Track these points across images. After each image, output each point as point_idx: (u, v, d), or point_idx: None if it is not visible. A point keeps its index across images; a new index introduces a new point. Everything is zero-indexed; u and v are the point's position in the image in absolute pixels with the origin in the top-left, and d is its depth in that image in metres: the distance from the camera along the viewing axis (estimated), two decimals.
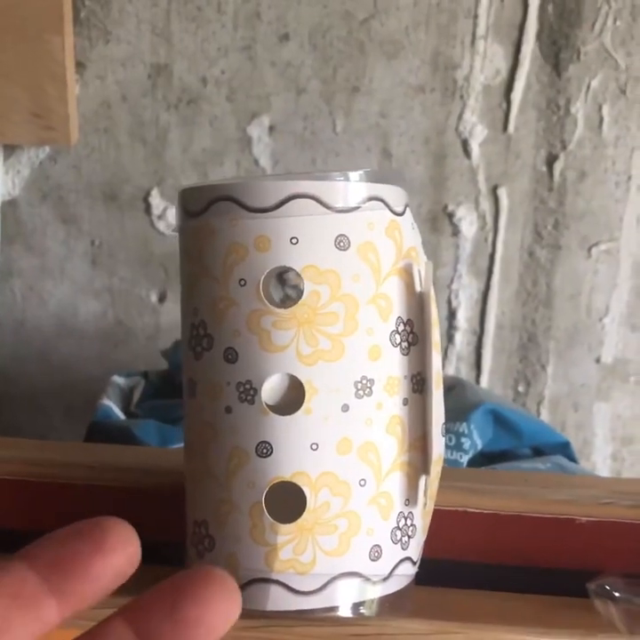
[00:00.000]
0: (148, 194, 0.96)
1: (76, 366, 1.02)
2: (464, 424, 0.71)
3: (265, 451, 0.40)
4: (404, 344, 0.42)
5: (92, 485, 0.51)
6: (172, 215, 0.96)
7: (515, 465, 0.70)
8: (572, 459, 0.73)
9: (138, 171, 0.96)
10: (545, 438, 0.74)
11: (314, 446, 0.40)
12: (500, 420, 0.73)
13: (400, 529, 0.43)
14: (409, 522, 0.43)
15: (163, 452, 0.63)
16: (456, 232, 0.95)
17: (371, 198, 0.41)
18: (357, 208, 0.41)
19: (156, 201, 0.96)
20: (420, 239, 0.45)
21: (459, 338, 0.99)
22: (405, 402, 0.43)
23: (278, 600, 0.41)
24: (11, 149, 0.96)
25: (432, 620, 0.45)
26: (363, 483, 0.41)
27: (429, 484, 0.44)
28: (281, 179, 0.41)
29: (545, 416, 1.00)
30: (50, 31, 0.87)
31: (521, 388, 1.00)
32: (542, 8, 0.88)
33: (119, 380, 0.81)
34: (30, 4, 0.86)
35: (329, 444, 0.40)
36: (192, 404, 0.43)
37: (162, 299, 1.00)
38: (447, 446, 0.68)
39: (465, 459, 0.70)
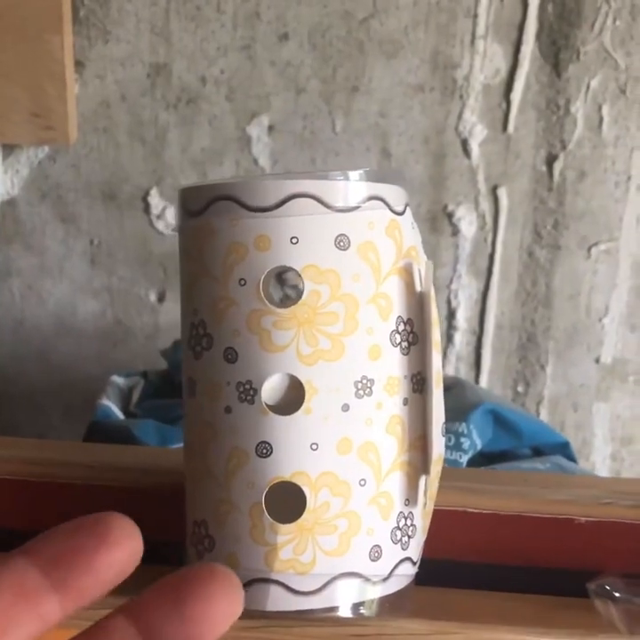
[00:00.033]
0: (147, 193, 0.96)
1: (75, 366, 1.02)
2: (463, 424, 0.71)
3: (265, 451, 0.40)
4: (404, 344, 0.42)
5: (91, 485, 0.51)
6: (171, 215, 0.96)
7: (514, 465, 0.70)
8: (571, 459, 0.73)
9: (137, 170, 0.96)
10: (544, 438, 0.74)
11: (314, 446, 0.40)
12: (499, 419, 0.73)
13: (400, 529, 0.43)
14: (409, 522, 0.43)
15: (162, 452, 0.63)
16: (455, 232, 0.95)
17: (371, 198, 0.41)
18: (357, 207, 0.41)
19: (155, 200, 0.96)
20: (420, 239, 0.45)
21: (458, 338, 0.99)
22: (405, 402, 0.42)
23: (278, 600, 0.41)
24: (10, 149, 0.96)
25: (432, 621, 0.45)
26: (363, 483, 0.41)
27: (429, 484, 0.44)
28: (281, 178, 0.41)
29: (544, 416, 1.00)
30: (49, 31, 0.87)
31: (520, 388, 1.00)
32: (542, 8, 0.88)
33: (118, 379, 0.81)
34: (30, 3, 0.86)
35: (329, 444, 0.40)
36: (192, 403, 0.43)
37: (161, 298, 1.00)
38: (446, 446, 0.68)
39: (464, 459, 0.70)
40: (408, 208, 0.44)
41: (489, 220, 0.94)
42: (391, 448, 0.42)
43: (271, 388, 0.41)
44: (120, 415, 0.76)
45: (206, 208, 0.41)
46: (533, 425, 0.76)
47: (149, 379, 0.83)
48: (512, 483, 0.52)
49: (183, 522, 0.45)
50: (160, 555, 0.40)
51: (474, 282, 0.97)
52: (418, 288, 0.43)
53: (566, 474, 0.68)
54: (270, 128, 0.93)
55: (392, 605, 0.43)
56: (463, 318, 0.98)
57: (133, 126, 0.94)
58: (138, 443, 0.67)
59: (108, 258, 0.99)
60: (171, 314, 0.99)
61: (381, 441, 0.41)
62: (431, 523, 0.45)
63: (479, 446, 0.71)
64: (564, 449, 0.74)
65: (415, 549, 0.44)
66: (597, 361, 0.98)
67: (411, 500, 0.43)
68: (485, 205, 0.94)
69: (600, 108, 0.90)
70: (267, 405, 0.40)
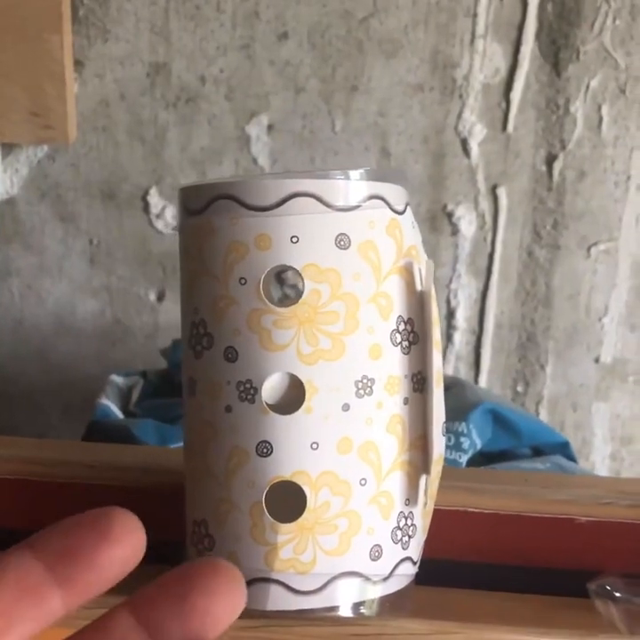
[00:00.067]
0: (146, 193, 0.96)
1: (75, 365, 1.02)
2: (463, 424, 0.71)
3: (265, 450, 0.40)
4: (405, 343, 0.42)
5: (91, 484, 0.51)
6: (171, 214, 0.96)
7: (514, 465, 0.70)
8: (571, 458, 0.73)
9: (136, 169, 0.96)
10: (544, 438, 0.74)
11: (314, 445, 0.40)
12: (499, 419, 0.73)
13: (400, 529, 0.43)
14: (409, 521, 0.43)
15: (161, 451, 0.63)
16: (455, 231, 0.95)
17: (371, 197, 0.41)
18: (358, 207, 0.41)
19: (155, 200, 0.96)
20: (420, 238, 0.45)
21: (457, 337, 0.99)
22: (406, 401, 0.42)
23: (278, 600, 0.41)
24: (9, 148, 0.96)
25: (432, 620, 0.45)
26: (363, 482, 0.41)
27: (430, 484, 0.44)
28: (281, 177, 0.41)
29: (544, 416, 1.00)
30: (49, 30, 0.87)
31: (520, 388, 1.00)
32: (542, 7, 0.88)
33: (118, 379, 0.81)
34: (29, 3, 0.86)
35: (329, 444, 0.40)
36: (192, 403, 0.43)
37: (160, 297, 1.00)
38: (446, 446, 0.68)
39: (464, 458, 0.70)
40: (408, 207, 0.44)
41: (488, 219, 0.94)
42: (391, 447, 0.42)
43: (271, 388, 0.41)
44: (119, 414, 0.76)
45: (207, 207, 0.41)
46: (533, 425, 0.76)
47: (149, 378, 0.83)
48: (512, 482, 0.51)
49: (183, 521, 0.45)
50: (160, 554, 0.40)
51: (473, 281, 0.97)
52: (418, 287, 0.43)
53: (566, 474, 0.68)
54: (270, 127, 0.93)
55: (392, 605, 0.43)
56: (463, 318, 0.98)
57: (133, 125, 0.94)
58: (137, 442, 0.67)
59: (107, 257, 0.99)
60: (170, 313, 0.99)
61: (382, 440, 0.41)
62: (431, 522, 0.45)
63: (479, 446, 0.71)
64: (563, 449, 0.74)
65: (415, 549, 0.44)
66: (597, 361, 0.98)
67: (411, 499, 0.43)
68: (485, 205, 0.94)
69: (600, 108, 0.90)
70: (267, 405, 0.40)
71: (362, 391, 0.41)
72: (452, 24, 0.89)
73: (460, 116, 0.92)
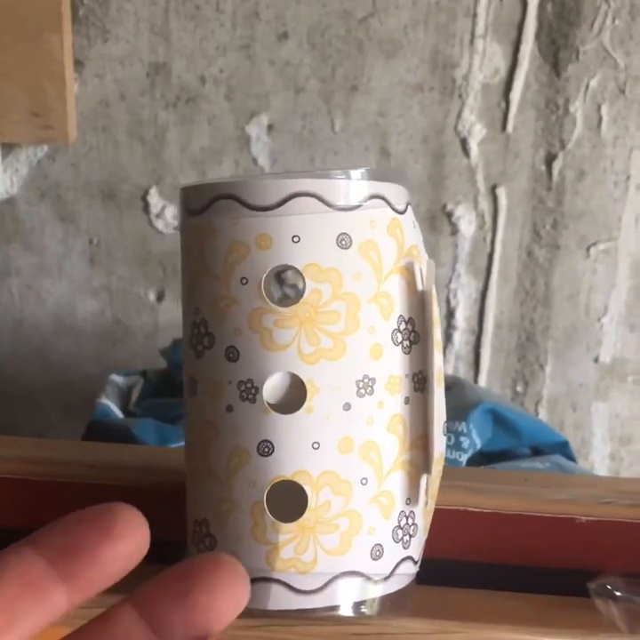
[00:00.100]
0: (146, 192, 0.96)
1: (74, 365, 1.02)
2: (463, 423, 0.71)
3: (266, 449, 0.40)
4: (406, 343, 0.42)
5: (91, 484, 0.51)
6: (171, 214, 0.96)
7: (513, 464, 0.70)
8: (570, 458, 0.73)
9: (136, 169, 0.96)
10: (544, 438, 0.74)
11: (315, 445, 0.40)
12: (498, 419, 0.73)
13: (401, 528, 0.43)
14: (410, 521, 0.43)
15: (161, 451, 0.63)
16: (455, 231, 0.95)
17: (372, 196, 0.41)
18: (359, 206, 0.41)
19: (155, 200, 0.96)
20: (421, 237, 0.45)
21: (457, 337, 0.99)
22: (407, 400, 0.42)
23: (279, 599, 0.41)
24: (9, 148, 0.96)
25: (433, 620, 0.45)
26: (364, 482, 0.41)
27: (431, 483, 0.44)
28: (282, 177, 0.41)
29: (543, 416, 1.00)
30: (49, 30, 0.87)
31: (519, 388, 1.00)
32: (541, 7, 0.88)
33: (118, 378, 0.81)
34: (29, 3, 0.86)
35: (330, 443, 0.40)
36: (193, 402, 0.43)
37: (160, 297, 1.00)
38: (446, 445, 0.68)
39: (464, 458, 0.70)
40: (409, 207, 0.44)
41: (488, 219, 0.94)
42: (392, 447, 0.42)
43: (272, 387, 0.41)
44: (119, 414, 0.76)
45: (208, 207, 0.41)
46: (533, 424, 0.76)
47: (149, 378, 0.83)
48: (512, 482, 0.52)
49: (183, 521, 0.45)
50: (160, 554, 0.40)
51: (473, 281, 0.97)
52: (419, 287, 0.43)
53: (566, 473, 0.68)
54: (269, 127, 0.93)
55: (393, 604, 0.43)
56: (462, 317, 0.98)
57: (133, 125, 0.94)
58: (137, 442, 0.67)
59: (107, 257, 0.99)
60: (170, 313, 0.99)
61: (383, 440, 0.41)
62: (432, 522, 0.45)
63: (479, 445, 0.71)
64: (563, 448, 0.74)
65: (416, 548, 0.44)
66: (596, 360, 0.98)
67: (412, 499, 0.43)
68: (484, 205, 0.94)
69: (599, 108, 0.90)
70: (268, 404, 0.40)
71: (363, 391, 0.41)
72: (451, 24, 0.89)
73: (459, 115, 0.92)
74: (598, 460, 1.02)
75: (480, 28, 0.89)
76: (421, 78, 0.91)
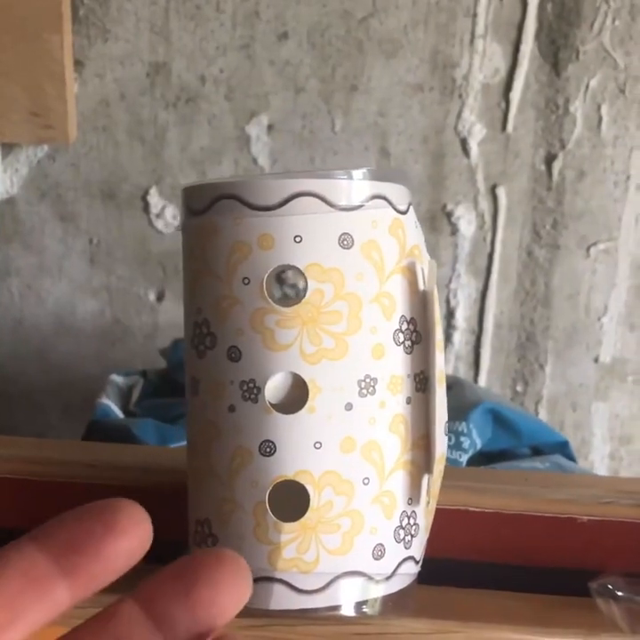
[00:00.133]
0: (146, 192, 0.96)
1: (74, 365, 1.02)
2: (463, 423, 0.71)
3: (268, 449, 0.40)
4: (408, 343, 0.42)
5: (91, 484, 0.51)
6: (171, 214, 0.96)
7: (514, 464, 0.70)
8: (570, 458, 0.73)
9: (136, 169, 0.96)
10: (544, 438, 0.74)
11: (317, 445, 0.40)
12: (499, 419, 0.73)
13: (403, 528, 0.43)
14: (412, 521, 0.43)
15: (162, 451, 0.63)
16: (454, 231, 0.95)
17: (374, 196, 0.41)
18: (361, 206, 0.41)
19: (155, 199, 0.96)
20: (423, 238, 0.45)
21: (457, 337, 0.99)
22: (408, 400, 0.42)
23: (281, 599, 0.41)
24: (9, 148, 0.96)
25: (434, 620, 0.45)
26: (366, 481, 0.41)
27: (432, 483, 0.44)
28: (285, 177, 0.41)
29: (543, 415, 1.00)
30: (49, 30, 0.87)
31: (519, 388, 1.00)
32: (541, 7, 0.88)
33: (118, 378, 0.81)
34: (29, 3, 0.86)
35: (332, 443, 0.40)
36: (195, 402, 0.43)
37: (160, 297, 1.00)
38: (447, 445, 0.68)
39: (464, 458, 0.70)
40: (411, 207, 0.44)
41: (488, 219, 0.95)
42: (394, 447, 0.42)
43: (275, 387, 0.41)
44: (119, 414, 0.76)
45: (210, 207, 0.41)
46: (533, 424, 0.76)
47: (149, 378, 0.83)
48: (513, 482, 0.52)
49: (184, 521, 0.45)
50: (160, 554, 0.40)
51: (473, 281, 0.97)
52: (421, 287, 0.43)
53: (566, 473, 0.68)
54: (269, 127, 0.93)
55: (395, 604, 0.43)
56: (462, 317, 0.98)
57: (133, 125, 0.94)
58: (137, 442, 0.67)
59: (107, 257, 0.99)
60: (170, 313, 0.99)
61: (384, 440, 0.41)
62: (433, 522, 0.45)
63: (479, 445, 0.71)
64: (563, 448, 0.74)
65: (418, 548, 0.44)
66: (596, 360, 0.98)
67: (414, 498, 0.43)
68: (484, 205, 0.94)
69: (599, 108, 0.90)
70: (270, 404, 0.40)
71: (365, 391, 0.41)
72: (451, 24, 0.89)
73: (459, 115, 0.92)
74: (598, 459, 1.02)
75: (480, 28, 0.89)
76: (421, 78, 0.91)
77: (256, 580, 0.41)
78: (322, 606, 0.41)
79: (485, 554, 0.49)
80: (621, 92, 0.90)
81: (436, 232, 0.95)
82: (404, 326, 0.42)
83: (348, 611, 0.42)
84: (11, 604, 0.20)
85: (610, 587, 0.46)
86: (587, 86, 0.90)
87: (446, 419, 0.44)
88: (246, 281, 0.40)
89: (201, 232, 0.42)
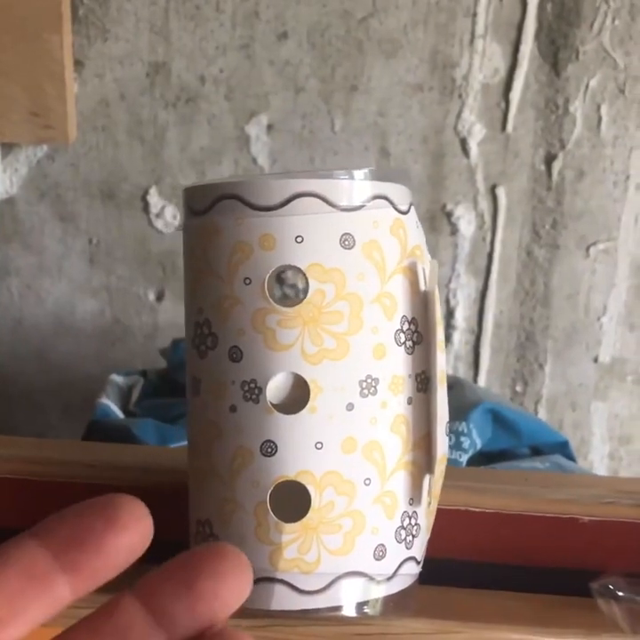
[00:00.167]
0: (145, 192, 0.96)
1: (74, 365, 1.02)
2: (463, 423, 0.71)
3: (269, 450, 0.40)
4: (409, 343, 0.42)
5: (91, 484, 0.51)
6: (170, 214, 0.96)
7: (513, 464, 0.70)
8: (570, 458, 0.73)
9: (136, 169, 0.96)
10: (544, 437, 0.74)
11: (318, 445, 0.40)
12: (498, 419, 0.73)
13: (404, 528, 0.43)
14: (413, 521, 0.43)
15: (162, 451, 0.62)
16: (454, 231, 0.95)
17: (376, 197, 0.41)
18: (362, 206, 0.41)
19: (154, 199, 0.96)
20: (424, 238, 0.45)
21: (457, 337, 0.99)
22: (410, 401, 0.42)
23: (282, 599, 0.41)
24: (9, 148, 0.96)
25: (435, 620, 0.45)
26: (367, 482, 0.41)
27: (433, 483, 0.44)
28: (286, 177, 0.41)
29: (543, 415, 1.00)
30: (48, 30, 0.86)
31: (519, 388, 1.00)
32: (541, 7, 0.88)
33: (118, 378, 0.81)
34: (29, 3, 0.86)
35: (333, 443, 0.40)
36: (196, 402, 0.43)
37: (159, 297, 1.00)
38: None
39: (464, 458, 0.70)
40: (412, 207, 0.44)
41: (488, 219, 0.95)
42: (396, 447, 0.42)
43: (276, 387, 0.41)
44: (119, 414, 0.76)
45: (211, 207, 0.41)
46: (532, 424, 0.76)
47: (149, 378, 0.83)
48: (514, 482, 0.52)
49: (184, 521, 0.45)
50: (160, 554, 0.40)
51: (472, 281, 0.97)
52: (422, 287, 0.43)
53: (566, 473, 0.68)
54: (269, 127, 0.93)
55: (396, 604, 0.43)
56: (462, 317, 0.98)
57: (132, 125, 0.94)
58: (137, 442, 0.67)
59: (106, 257, 0.99)
60: (169, 313, 0.99)
61: (386, 440, 0.41)
62: (434, 522, 0.45)
63: (479, 445, 0.71)
64: (563, 448, 0.74)
65: (419, 548, 0.44)
66: (596, 360, 0.98)
67: (415, 499, 0.43)
68: (484, 205, 0.94)
69: (599, 108, 0.90)
70: (271, 404, 0.40)
71: (366, 391, 0.41)
72: (451, 24, 0.89)
73: (459, 115, 0.92)
74: (597, 459, 1.02)
75: (480, 28, 0.89)
76: (421, 78, 0.91)
77: (257, 581, 0.41)
78: (323, 607, 0.41)
79: (486, 554, 0.49)
80: (621, 92, 0.90)
81: (436, 232, 0.95)
82: (406, 326, 0.42)
83: (349, 611, 0.42)
84: (11, 601, 0.20)
85: (611, 587, 0.46)
86: (586, 86, 0.90)
87: (448, 419, 0.44)
88: (248, 281, 0.40)
89: (202, 232, 0.42)
